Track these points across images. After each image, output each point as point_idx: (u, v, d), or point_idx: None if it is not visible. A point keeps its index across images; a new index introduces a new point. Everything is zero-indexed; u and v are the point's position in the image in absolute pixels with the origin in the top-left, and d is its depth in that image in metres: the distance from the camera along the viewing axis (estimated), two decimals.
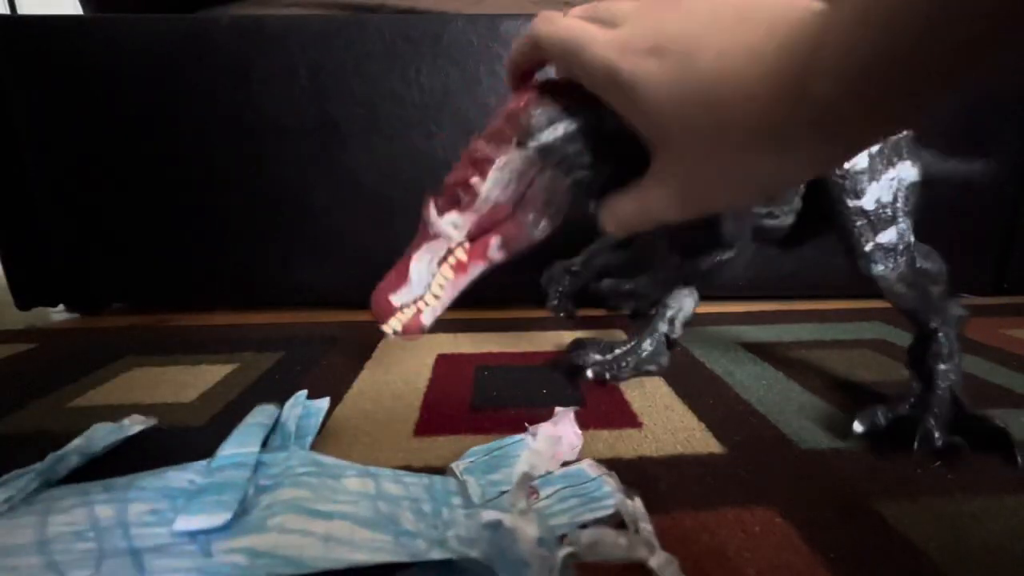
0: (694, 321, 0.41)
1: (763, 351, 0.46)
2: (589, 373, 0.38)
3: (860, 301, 0.64)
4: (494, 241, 0.26)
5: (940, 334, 0.30)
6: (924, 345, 0.31)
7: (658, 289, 0.42)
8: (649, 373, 0.39)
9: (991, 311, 0.61)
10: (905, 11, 0.14)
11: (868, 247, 0.30)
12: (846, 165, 0.30)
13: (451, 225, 0.25)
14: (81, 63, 0.56)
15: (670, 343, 0.39)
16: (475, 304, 0.65)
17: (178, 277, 0.63)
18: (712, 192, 0.22)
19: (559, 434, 0.28)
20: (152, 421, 0.32)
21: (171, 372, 0.43)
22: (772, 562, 0.20)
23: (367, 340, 0.50)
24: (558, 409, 0.30)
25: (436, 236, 0.26)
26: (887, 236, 0.30)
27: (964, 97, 0.61)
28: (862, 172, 0.29)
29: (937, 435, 0.28)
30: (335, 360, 0.45)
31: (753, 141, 0.19)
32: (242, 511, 0.20)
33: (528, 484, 0.21)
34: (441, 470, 0.26)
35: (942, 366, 0.29)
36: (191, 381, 0.40)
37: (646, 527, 0.21)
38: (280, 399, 0.33)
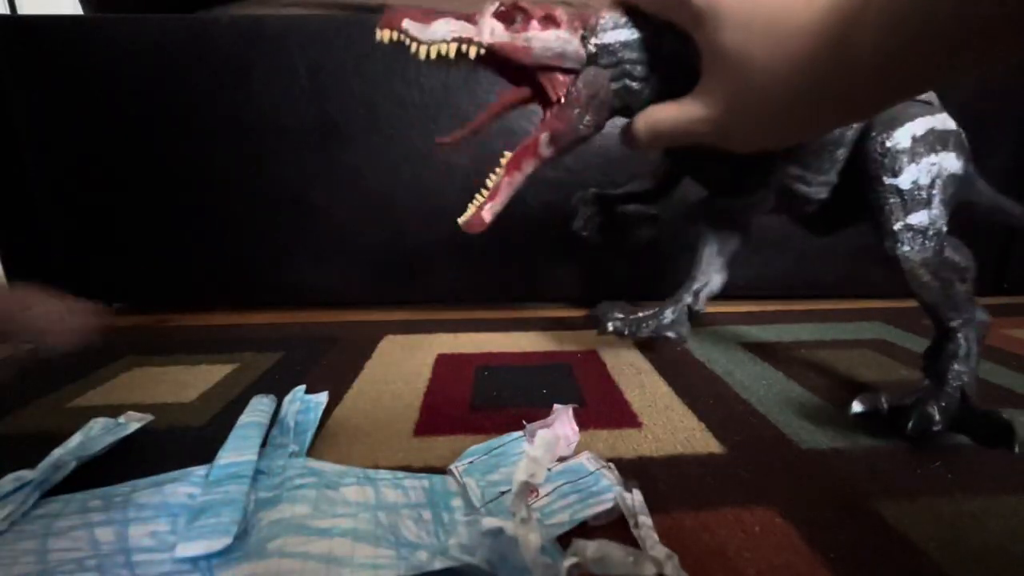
0: (695, 321, 0.41)
1: (763, 351, 0.46)
2: (609, 326, 0.39)
3: (860, 301, 0.64)
4: (543, 137, 0.28)
5: (959, 334, 0.29)
6: (941, 345, 0.30)
7: (686, 218, 0.44)
8: (667, 339, 0.40)
9: (991, 311, 0.61)
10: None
11: (897, 226, 0.29)
12: (888, 144, 0.30)
13: (489, 27, 0.27)
14: (81, 63, 0.56)
15: (692, 314, 0.40)
16: (475, 304, 0.65)
17: (178, 277, 0.63)
18: (747, 119, 0.24)
19: (556, 432, 0.28)
20: (148, 418, 0.32)
21: (171, 372, 0.43)
22: (772, 562, 0.20)
23: (367, 340, 0.50)
24: (556, 406, 0.30)
25: (470, 19, 0.27)
26: (918, 218, 0.29)
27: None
28: (902, 151, 0.30)
29: (936, 418, 0.27)
30: (335, 360, 0.45)
31: (796, 71, 0.21)
32: (242, 532, 0.20)
33: (528, 491, 0.21)
34: (441, 470, 0.26)
35: (956, 367, 0.29)
36: (191, 381, 0.40)
37: (645, 520, 0.21)
38: (280, 399, 0.33)
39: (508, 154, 0.29)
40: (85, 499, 0.23)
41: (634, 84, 0.28)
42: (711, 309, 0.62)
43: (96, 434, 0.28)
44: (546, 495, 0.24)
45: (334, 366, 0.43)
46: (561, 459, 0.27)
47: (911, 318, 0.56)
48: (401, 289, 0.64)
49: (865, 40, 0.18)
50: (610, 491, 0.23)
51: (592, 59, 0.28)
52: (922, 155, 0.30)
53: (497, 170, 0.29)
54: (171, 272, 0.63)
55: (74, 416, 0.34)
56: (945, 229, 0.30)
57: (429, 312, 0.63)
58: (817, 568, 0.20)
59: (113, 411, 0.32)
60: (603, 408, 0.34)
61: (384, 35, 0.26)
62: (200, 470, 0.25)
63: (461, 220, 0.29)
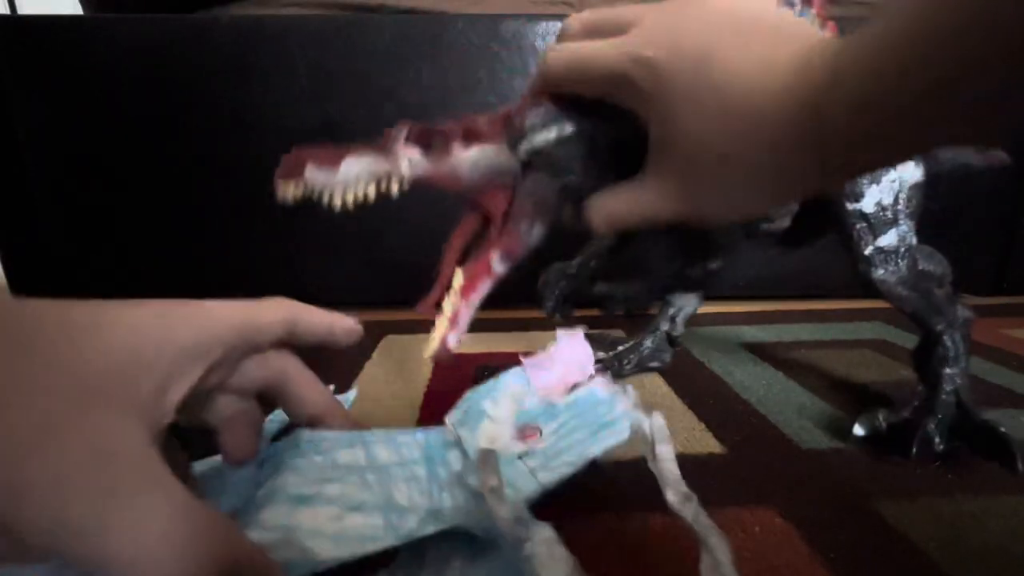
0: (694, 321, 0.41)
1: (763, 351, 0.46)
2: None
3: (860, 301, 0.64)
4: (495, 256, 0.26)
5: (945, 337, 0.29)
6: (929, 348, 0.30)
7: (652, 295, 0.43)
8: (652, 369, 0.39)
9: (991, 311, 0.61)
10: (920, 64, 0.14)
11: (868, 251, 0.29)
12: None
13: (407, 159, 0.25)
14: (81, 63, 0.56)
15: (672, 340, 0.40)
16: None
17: (178, 277, 0.63)
18: (706, 199, 0.22)
19: (564, 357, 0.26)
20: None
21: None
22: (772, 562, 0.20)
23: (367, 340, 0.50)
24: (559, 332, 0.28)
25: (387, 155, 0.25)
26: (887, 239, 0.29)
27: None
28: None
29: (937, 440, 0.27)
30: (335, 360, 0.45)
31: (757, 152, 0.19)
32: (241, 507, 0.20)
33: (493, 459, 0.19)
34: None
35: (947, 370, 0.29)
36: None
37: (665, 451, 0.20)
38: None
39: (459, 275, 0.27)
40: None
41: (573, 178, 0.26)
42: (711, 309, 0.62)
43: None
44: (552, 433, 0.22)
45: (334, 366, 0.43)
46: (575, 390, 0.25)
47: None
48: (401, 289, 0.64)
49: (839, 116, 0.17)
50: (625, 420, 0.22)
51: (527, 166, 0.25)
52: (881, 174, 0.29)
53: (451, 294, 0.27)
54: (171, 272, 0.63)
55: None
56: (914, 241, 0.30)
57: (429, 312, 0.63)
58: (817, 568, 0.20)
59: None
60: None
61: (287, 189, 0.24)
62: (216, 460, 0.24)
63: (427, 354, 0.26)
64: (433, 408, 0.35)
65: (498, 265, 0.26)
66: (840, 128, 0.17)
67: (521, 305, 0.64)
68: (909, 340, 0.49)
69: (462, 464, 0.22)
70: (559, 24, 0.56)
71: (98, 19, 0.58)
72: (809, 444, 0.29)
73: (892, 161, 0.19)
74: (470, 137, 0.25)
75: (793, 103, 0.17)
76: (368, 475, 0.21)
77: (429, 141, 0.25)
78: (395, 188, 0.24)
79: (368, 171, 0.24)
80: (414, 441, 0.24)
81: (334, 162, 0.24)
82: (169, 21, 0.56)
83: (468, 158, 0.25)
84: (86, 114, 0.57)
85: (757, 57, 0.18)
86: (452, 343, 0.26)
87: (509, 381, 0.26)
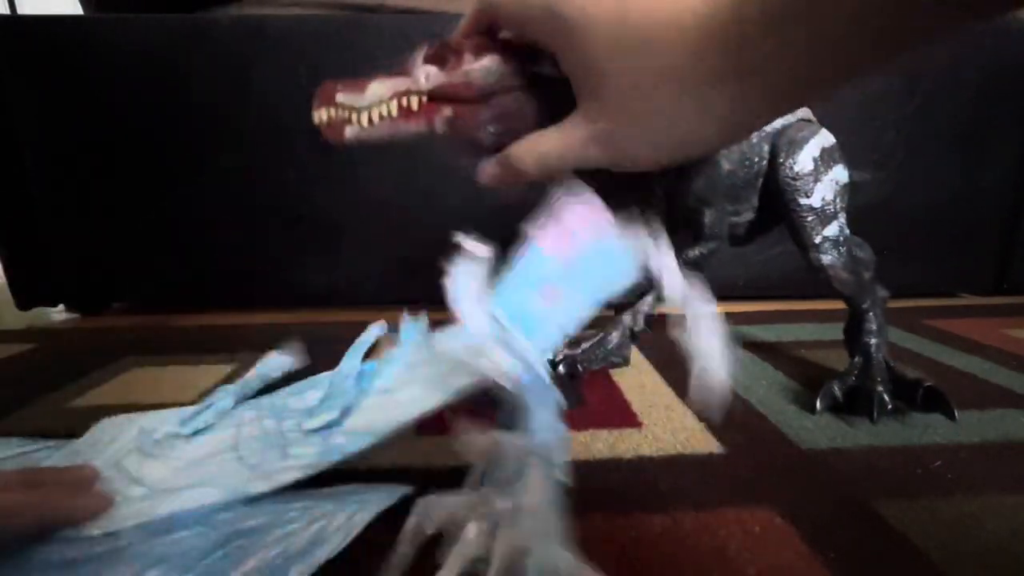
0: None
1: (763, 351, 0.46)
2: (561, 368, 0.39)
3: None
4: (446, 111, 0.26)
5: (871, 313, 0.35)
6: (858, 323, 0.36)
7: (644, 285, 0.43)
8: (615, 365, 0.41)
9: (991, 311, 0.61)
10: None
11: (817, 240, 0.33)
12: (796, 168, 0.33)
13: (424, 74, 0.26)
14: (81, 63, 0.56)
15: (634, 336, 0.42)
16: None
17: (178, 277, 0.63)
18: (633, 139, 0.23)
19: (563, 227, 0.26)
20: (292, 360, 0.42)
21: (171, 372, 0.43)
22: (772, 562, 0.20)
23: None
24: (564, 195, 0.27)
25: (408, 75, 0.26)
26: (831, 230, 0.34)
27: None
28: (808, 174, 0.33)
29: (888, 401, 0.32)
30: (336, 360, 0.45)
31: (678, 82, 0.20)
32: (346, 409, 0.29)
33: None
34: (442, 469, 0.27)
35: (874, 340, 0.35)
36: (191, 381, 0.40)
37: (668, 260, 0.23)
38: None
39: (411, 100, 0.26)
40: (260, 401, 0.34)
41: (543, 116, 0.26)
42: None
43: (263, 371, 0.38)
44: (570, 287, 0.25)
45: (335, 366, 0.43)
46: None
47: (911, 318, 0.56)
48: (401, 289, 0.64)
49: (753, 35, 0.17)
50: (629, 257, 0.25)
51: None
52: (823, 173, 0.33)
53: (391, 103, 0.26)
54: (171, 272, 0.63)
55: (74, 416, 0.34)
56: (848, 232, 0.34)
57: (429, 312, 0.63)
58: (817, 568, 0.20)
59: (113, 411, 0.32)
60: (603, 408, 0.34)
61: (321, 115, 0.26)
62: (325, 378, 0.37)
63: (323, 115, 0.26)
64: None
65: (440, 122, 0.26)
66: (755, 45, 0.17)
67: None
68: (909, 340, 0.49)
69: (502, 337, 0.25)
70: None
71: (98, 19, 0.58)
72: (809, 444, 0.30)
73: (803, 93, 0.19)
74: (481, 49, 0.26)
75: (710, 25, 0.18)
76: (425, 368, 0.29)
77: (445, 57, 0.26)
78: (415, 103, 0.26)
79: (391, 89, 0.26)
80: (459, 332, 0.27)
81: (361, 87, 0.26)
82: (169, 21, 0.56)
83: (480, 67, 0.26)
84: (86, 114, 0.57)
85: None
86: (349, 135, 0.26)
87: (524, 260, 0.27)
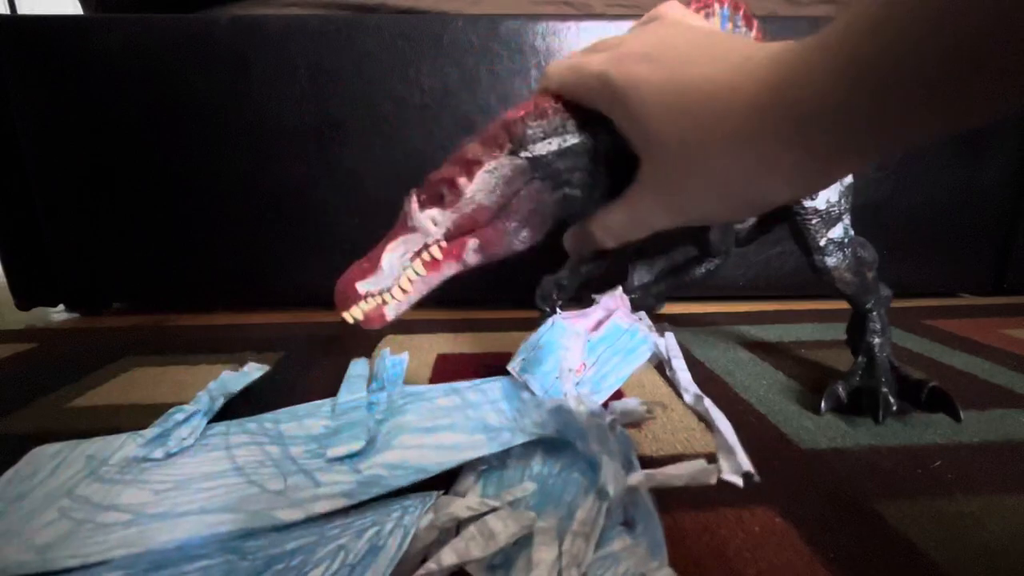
0: (695, 321, 0.41)
1: (763, 351, 0.46)
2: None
3: None
4: (471, 243, 0.26)
5: (874, 313, 0.35)
6: (861, 323, 0.35)
7: (649, 296, 0.44)
8: None
9: (991, 311, 0.61)
10: (890, 57, 0.14)
11: (822, 242, 0.33)
12: None
13: (430, 221, 0.25)
14: (81, 63, 0.56)
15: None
16: (475, 304, 0.65)
17: (178, 277, 0.63)
18: (698, 201, 0.23)
19: (609, 311, 0.34)
20: (266, 368, 0.39)
21: (171, 372, 0.43)
22: (772, 562, 0.20)
23: (367, 340, 0.50)
24: (596, 297, 0.36)
25: (414, 230, 0.25)
26: (836, 232, 0.33)
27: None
28: None
29: (892, 401, 0.32)
30: (336, 360, 0.45)
31: (735, 149, 0.19)
32: (370, 440, 0.27)
33: (570, 372, 0.31)
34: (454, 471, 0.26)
35: (877, 340, 0.35)
36: (191, 381, 0.40)
37: (678, 363, 0.27)
38: (280, 399, 0.33)
39: (433, 251, 0.26)
40: (243, 424, 0.30)
41: (576, 192, 0.26)
42: (712, 309, 0.62)
43: (228, 379, 0.35)
44: (591, 365, 0.30)
45: (335, 366, 0.43)
46: (600, 326, 0.33)
47: (910, 318, 0.56)
48: None
49: (811, 108, 0.17)
50: (646, 343, 0.30)
51: (531, 169, 0.25)
52: None
53: (415, 265, 0.26)
54: (171, 272, 0.63)
55: (74, 416, 0.34)
56: (852, 232, 0.34)
57: (429, 312, 0.63)
58: (817, 568, 0.20)
59: (113, 411, 0.32)
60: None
61: (354, 314, 0.25)
62: (325, 405, 0.32)
63: (356, 314, 0.26)
64: None
65: (471, 254, 0.26)
66: (813, 115, 0.17)
67: (521, 305, 0.64)
68: (909, 340, 0.49)
69: (532, 398, 0.30)
70: (559, 24, 0.57)
71: (98, 19, 0.58)
72: (809, 444, 0.29)
73: (862, 157, 0.18)
74: (469, 167, 0.25)
75: (766, 94, 0.18)
76: (468, 411, 0.30)
77: (439, 193, 0.25)
78: (438, 252, 0.25)
79: (405, 255, 0.25)
80: (495, 387, 0.33)
81: (375, 264, 0.25)
82: (169, 21, 0.56)
83: (479, 187, 0.25)
84: (86, 114, 0.57)
85: (733, 54, 0.19)
86: (389, 316, 0.26)
87: (556, 329, 0.33)
